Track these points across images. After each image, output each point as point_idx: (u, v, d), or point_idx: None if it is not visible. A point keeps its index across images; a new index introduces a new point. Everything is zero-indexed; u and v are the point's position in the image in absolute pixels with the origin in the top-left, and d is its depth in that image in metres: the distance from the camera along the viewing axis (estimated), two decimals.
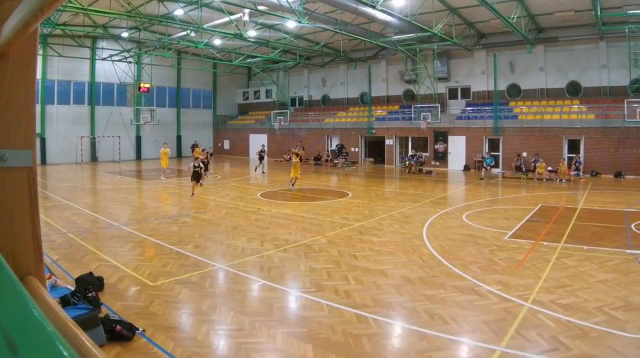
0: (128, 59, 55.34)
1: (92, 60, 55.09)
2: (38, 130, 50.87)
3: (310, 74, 66.28)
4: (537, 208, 24.13)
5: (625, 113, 37.06)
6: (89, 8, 33.77)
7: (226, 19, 38.13)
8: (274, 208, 24.50)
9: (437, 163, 47.98)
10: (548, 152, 40.26)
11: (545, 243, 16.53)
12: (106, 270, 13.11)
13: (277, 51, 54.72)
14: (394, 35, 44.62)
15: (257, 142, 62.89)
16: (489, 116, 45.53)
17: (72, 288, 10.21)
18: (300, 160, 32.55)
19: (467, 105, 50.64)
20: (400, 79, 56.47)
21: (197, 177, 28.34)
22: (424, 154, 47.60)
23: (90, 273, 11.96)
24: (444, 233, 18.26)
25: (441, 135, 48.19)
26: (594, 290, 11.54)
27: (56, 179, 38.18)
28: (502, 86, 48.59)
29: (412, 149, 49.95)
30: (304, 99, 67.51)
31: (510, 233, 18.34)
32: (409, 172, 44.11)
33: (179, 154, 65.66)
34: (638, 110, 36.32)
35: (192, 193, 28.06)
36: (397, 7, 35.91)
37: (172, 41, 47.23)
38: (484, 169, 39.68)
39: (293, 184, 31.36)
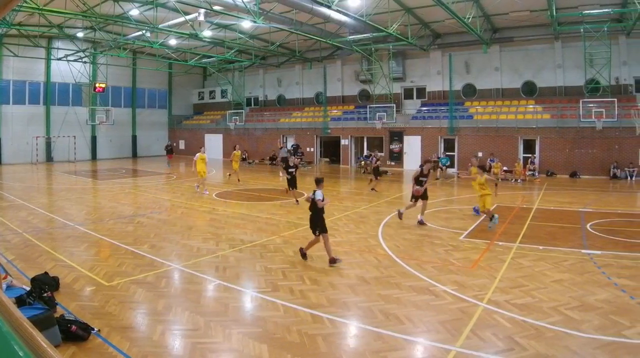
0: (83, 59, 55.02)
1: (48, 60, 54.95)
2: None
3: (266, 74, 66.37)
4: (492, 208, 24.35)
5: (581, 113, 37.78)
6: (44, 8, 33.28)
7: (181, 19, 38.04)
8: (230, 208, 24.50)
9: (393, 163, 48.24)
10: (503, 152, 40.73)
11: (500, 243, 16.73)
12: (62, 270, 13.05)
13: (233, 51, 54.83)
14: (349, 35, 44.87)
15: (213, 142, 63.45)
16: (445, 116, 45.98)
17: (28, 289, 10.09)
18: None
19: (423, 105, 51.11)
20: (355, 79, 56.86)
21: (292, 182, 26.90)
22: (379, 154, 47.83)
23: (46, 273, 11.87)
24: (399, 234, 18.38)
25: (396, 135, 48.52)
26: (549, 290, 11.70)
27: (11, 178, 37.92)
28: (458, 86, 49.18)
29: (367, 149, 50.18)
30: (260, 98, 67.65)
31: (466, 233, 18.57)
32: (364, 172, 44.26)
33: (134, 154, 65.77)
34: (593, 110, 36.99)
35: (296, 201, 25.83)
36: (352, 7, 36.14)
37: (127, 41, 47.02)
38: (439, 169, 39.90)
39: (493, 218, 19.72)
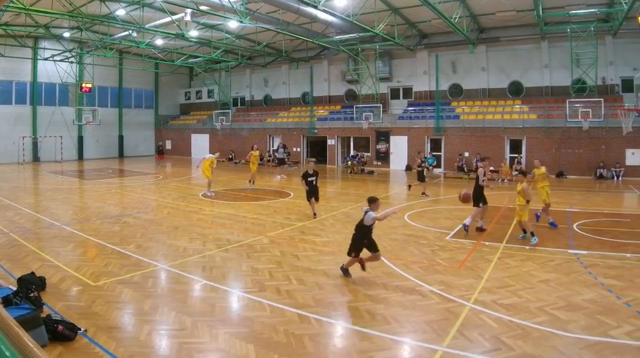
0: (70, 59, 54.88)
1: (34, 60, 54.84)
2: None
3: (252, 74, 66.31)
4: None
5: (567, 113, 37.82)
6: (30, 8, 33.37)
7: (168, 19, 37.96)
8: (216, 208, 24.55)
9: (379, 163, 48.35)
10: (490, 152, 40.69)
11: (487, 243, 16.81)
12: (48, 270, 13.03)
13: (219, 51, 54.84)
14: (335, 35, 44.85)
15: (200, 142, 63.85)
16: (431, 116, 46.10)
17: (14, 289, 10.09)
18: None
19: (409, 105, 51.20)
20: (342, 79, 56.92)
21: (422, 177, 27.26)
22: (365, 154, 47.89)
23: (33, 273, 11.81)
24: (386, 233, 18.28)
25: (383, 135, 48.57)
26: (536, 290, 11.75)
27: None
28: (444, 86, 49.30)
29: (354, 149, 50.23)
30: (246, 99, 67.61)
31: (452, 233, 18.58)
32: (350, 172, 44.39)
33: (121, 154, 65.86)
34: (580, 110, 37.06)
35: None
36: (339, 7, 36.10)
37: (114, 41, 46.77)
38: (426, 169, 39.86)
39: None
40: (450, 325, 9.60)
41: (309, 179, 21.97)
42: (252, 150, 34.54)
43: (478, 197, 19.23)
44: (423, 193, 29.00)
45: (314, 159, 32.77)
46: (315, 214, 21.96)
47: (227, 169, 42.29)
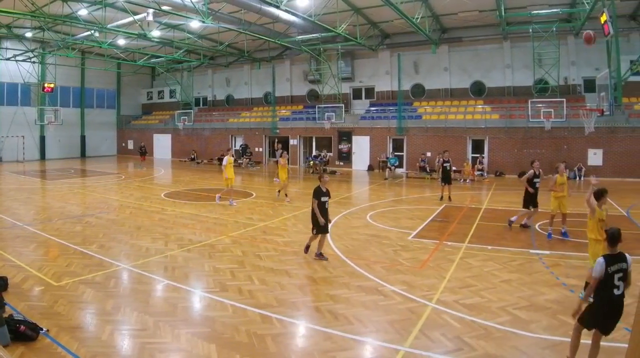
0: (32, 59, 54.42)
1: None
2: None
3: (214, 74, 66.17)
4: (441, 208, 24.54)
5: (529, 113, 38.17)
6: None
7: (130, 19, 37.58)
8: (178, 208, 24.38)
9: (341, 163, 48.47)
10: (452, 152, 40.76)
11: (449, 243, 16.85)
12: (10, 270, 12.95)
13: (181, 51, 54.61)
14: (298, 35, 44.82)
15: (162, 142, 63.63)
16: (393, 116, 46.26)
17: None
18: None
19: (371, 105, 51.44)
20: (304, 79, 56.99)
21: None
22: (328, 154, 47.78)
23: None
24: (348, 234, 18.39)
25: (345, 135, 48.72)
26: (498, 290, 11.83)
27: None
28: (406, 86, 49.54)
29: (316, 149, 50.23)
30: (208, 98, 67.45)
31: (415, 233, 18.61)
32: (312, 172, 44.30)
33: (83, 154, 65.40)
34: (542, 110, 37.37)
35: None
36: (301, 7, 36.07)
37: (76, 41, 46.39)
38: (388, 169, 40.07)
39: None
40: (412, 325, 9.62)
41: (322, 200, 14.79)
42: (280, 155, 29.08)
43: (529, 199, 19.41)
44: (449, 198, 26.93)
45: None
46: (306, 248, 15.32)
47: (189, 168, 42.01)
